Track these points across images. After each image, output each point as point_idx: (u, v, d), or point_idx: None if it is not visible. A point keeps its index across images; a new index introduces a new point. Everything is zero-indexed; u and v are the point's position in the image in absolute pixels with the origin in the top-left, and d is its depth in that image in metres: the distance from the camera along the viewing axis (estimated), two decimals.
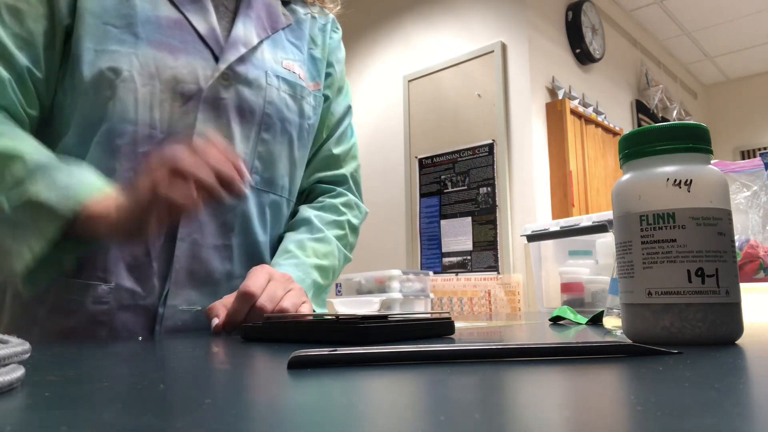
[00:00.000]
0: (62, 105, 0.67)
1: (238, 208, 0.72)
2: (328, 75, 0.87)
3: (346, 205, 0.87)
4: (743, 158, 4.79)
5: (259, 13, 0.77)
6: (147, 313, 0.66)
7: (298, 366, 0.28)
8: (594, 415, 0.18)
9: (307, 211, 0.82)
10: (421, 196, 3.08)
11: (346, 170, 0.90)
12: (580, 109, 2.98)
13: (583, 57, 3.20)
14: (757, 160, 0.82)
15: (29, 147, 0.59)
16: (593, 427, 0.16)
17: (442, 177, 3.00)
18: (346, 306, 1.90)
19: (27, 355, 0.25)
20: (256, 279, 0.62)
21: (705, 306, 0.37)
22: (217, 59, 0.70)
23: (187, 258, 0.67)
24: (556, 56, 3.04)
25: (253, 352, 0.40)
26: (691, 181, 0.38)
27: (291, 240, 0.77)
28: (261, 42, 0.75)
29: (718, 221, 0.38)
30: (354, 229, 0.87)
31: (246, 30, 0.74)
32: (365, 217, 0.91)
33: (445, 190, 2.98)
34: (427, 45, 3.20)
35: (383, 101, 3.38)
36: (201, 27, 0.70)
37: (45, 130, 0.67)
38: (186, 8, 0.70)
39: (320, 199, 0.87)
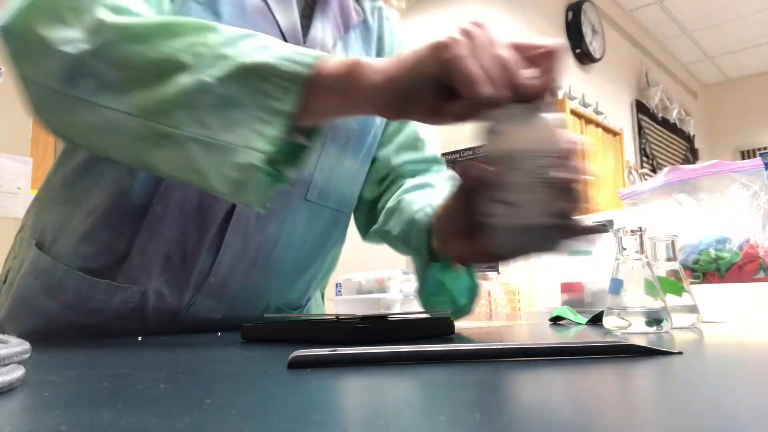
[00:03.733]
0: None
1: (287, 221, 0.65)
2: None
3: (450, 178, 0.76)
4: (743, 158, 4.78)
5: (335, 10, 0.72)
6: (166, 314, 0.62)
7: (298, 366, 0.28)
8: (594, 415, 0.17)
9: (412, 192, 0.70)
10: None
11: (435, 151, 0.82)
12: (580, 109, 2.98)
13: (583, 57, 3.20)
14: (757, 160, 0.82)
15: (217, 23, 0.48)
16: (593, 427, 0.16)
17: None
18: (346, 306, 1.90)
19: (27, 355, 0.25)
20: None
21: None
22: None
23: (225, 270, 0.63)
24: None
25: (253, 352, 0.40)
26: None
27: (413, 200, 0.66)
28: (335, 44, 0.70)
29: None
30: None
31: (323, 31, 0.69)
32: None
33: None
34: None
35: None
36: (283, 21, 0.65)
37: None
38: None
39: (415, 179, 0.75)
